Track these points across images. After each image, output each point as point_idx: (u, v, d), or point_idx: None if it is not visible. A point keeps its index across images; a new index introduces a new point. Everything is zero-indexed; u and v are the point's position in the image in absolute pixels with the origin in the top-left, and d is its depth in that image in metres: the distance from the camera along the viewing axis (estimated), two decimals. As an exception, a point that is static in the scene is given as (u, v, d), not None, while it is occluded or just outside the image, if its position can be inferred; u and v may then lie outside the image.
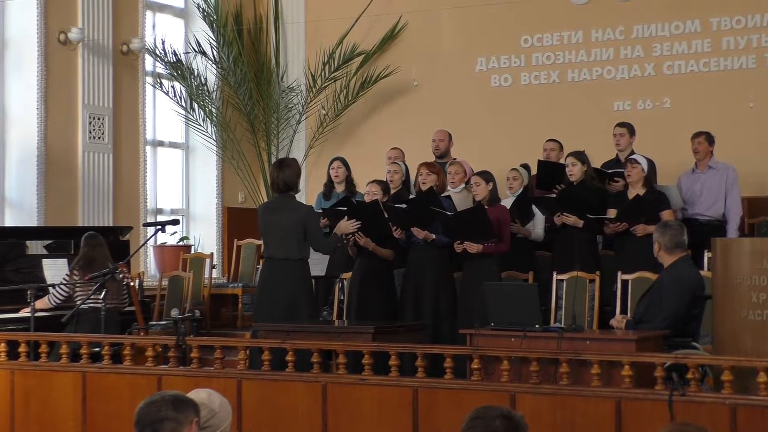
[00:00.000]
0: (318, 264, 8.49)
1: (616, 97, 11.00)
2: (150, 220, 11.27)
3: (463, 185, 8.84)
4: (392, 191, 8.70)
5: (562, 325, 6.97)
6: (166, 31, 11.94)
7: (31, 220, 10.18)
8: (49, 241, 9.65)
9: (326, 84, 12.01)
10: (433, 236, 8.07)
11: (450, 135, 9.89)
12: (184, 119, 12.04)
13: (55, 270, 8.89)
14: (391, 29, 11.99)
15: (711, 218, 8.90)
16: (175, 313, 7.23)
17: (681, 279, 6.62)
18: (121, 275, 8.01)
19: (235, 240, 11.36)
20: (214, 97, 12.06)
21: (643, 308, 6.71)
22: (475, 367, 5.98)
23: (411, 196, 8.71)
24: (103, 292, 7.86)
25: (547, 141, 9.76)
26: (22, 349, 7.07)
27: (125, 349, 6.89)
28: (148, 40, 11.51)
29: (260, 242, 8.39)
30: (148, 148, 11.64)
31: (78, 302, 7.99)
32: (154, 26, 11.87)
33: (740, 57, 10.54)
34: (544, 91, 11.35)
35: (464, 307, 7.93)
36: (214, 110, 11.99)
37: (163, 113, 11.96)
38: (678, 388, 5.37)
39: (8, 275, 8.83)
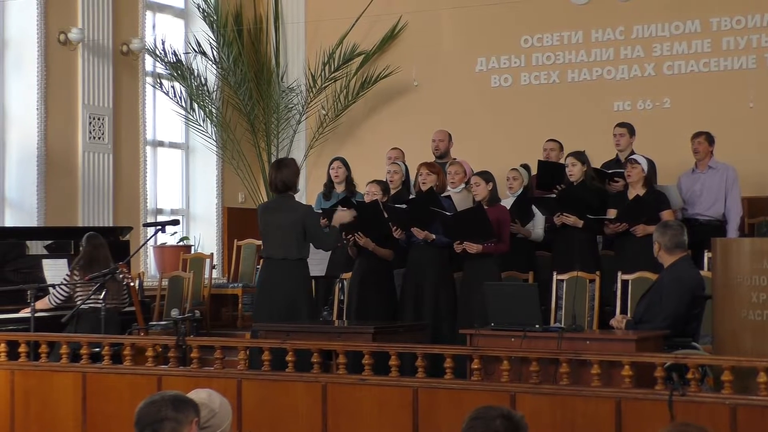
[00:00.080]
0: (318, 264, 8.49)
1: (616, 97, 11.00)
2: (150, 220, 11.27)
3: (463, 185, 8.84)
4: (392, 191, 8.70)
5: (562, 325, 6.97)
6: (166, 32, 11.95)
7: (31, 220, 10.18)
8: (49, 242, 9.65)
9: (326, 84, 12.01)
10: (433, 236, 8.07)
11: (450, 135, 9.89)
12: (184, 119, 12.05)
13: (55, 270, 8.88)
14: (391, 29, 12.00)
15: (711, 218, 8.89)
16: (175, 313, 7.22)
17: (681, 279, 6.62)
18: (121, 275, 8.01)
19: (235, 240, 11.36)
20: (214, 97, 12.06)
21: (643, 308, 6.71)
22: (475, 367, 5.98)
23: (411, 196, 8.71)
24: (103, 293, 7.86)
25: (547, 141, 9.77)
26: (22, 349, 7.07)
27: (125, 350, 6.89)
28: (148, 40, 11.51)
29: (260, 242, 8.39)
30: (148, 148, 11.64)
31: (78, 302, 7.99)
32: (154, 26, 11.87)
33: (740, 57, 10.55)
34: (544, 91, 11.35)
35: (464, 307, 7.93)
36: (214, 110, 11.99)
37: (163, 113, 11.96)
38: (678, 388, 5.37)
39: (8, 275, 8.83)
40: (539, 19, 11.37)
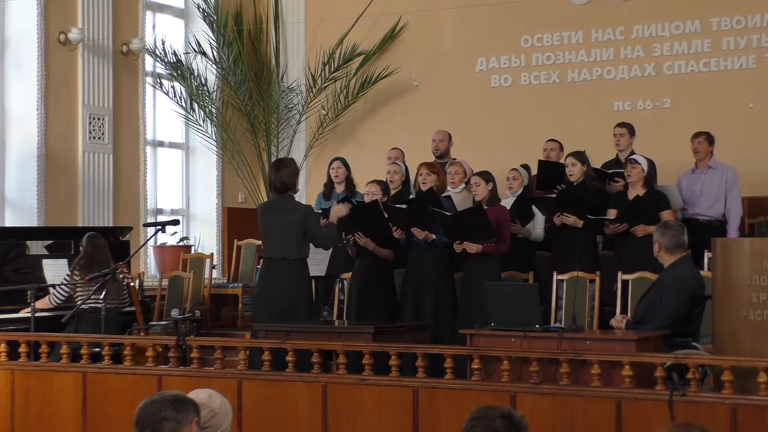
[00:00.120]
0: (318, 264, 8.49)
1: (616, 97, 11.01)
2: (150, 220, 11.27)
3: (463, 185, 8.84)
4: (392, 191, 8.69)
5: (562, 325, 6.97)
6: (166, 32, 11.95)
7: (31, 220, 10.18)
8: (50, 242, 9.65)
9: (326, 84, 12.01)
10: (434, 236, 8.07)
11: (449, 135, 9.89)
12: (184, 119, 12.05)
13: (55, 270, 8.89)
14: (391, 29, 12.00)
15: (711, 218, 8.89)
16: (176, 313, 7.22)
17: (681, 279, 6.62)
18: (121, 275, 8.02)
19: (235, 240, 11.36)
20: (214, 97, 12.07)
21: (643, 308, 6.71)
22: (475, 367, 5.98)
23: (411, 196, 8.71)
24: (104, 293, 7.86)
25: (547, 141, 9.77)
26: (22, 349, 7.07)
27: (125, 349, 6.89)
28: (148, 41, 11.51)
29: (260, 242, 8.39)
30: (148, 148, 11.64)
31: (78, 302, 7.99)
32: (154, 26, 11.88)
33: (740, 57, 10.55)
34: (544, 91, 11.35)
35: (464, 307, 7.93)
36: (214, 110, 11.99)
37: (163, 113, 11.96)
38: (678, 388, 5.37)
39: (8, 275, 8.83)
40: (539, 19, 11.38)
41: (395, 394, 6.09)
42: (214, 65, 12.04)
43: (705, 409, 5.32)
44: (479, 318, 6.83)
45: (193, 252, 11.21)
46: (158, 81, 11.69)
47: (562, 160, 9.14)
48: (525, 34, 11.44)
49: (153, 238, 8.79)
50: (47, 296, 8.31)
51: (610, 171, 8.93)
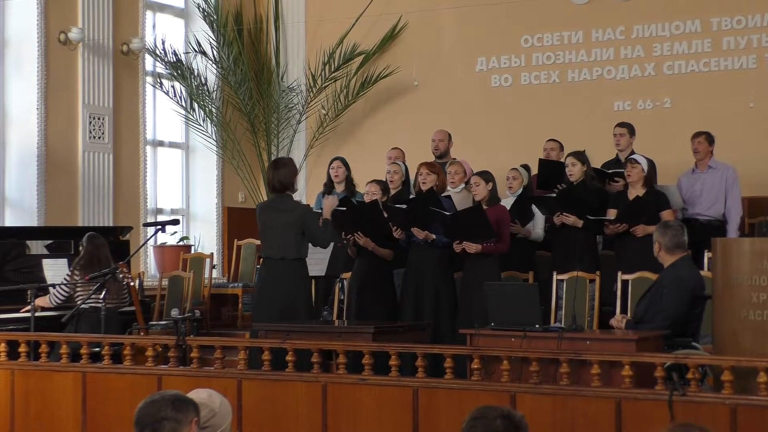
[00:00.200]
0: (318, 264, 8.49)
1: (616, 97, 11.01)
2: (150, 220, 11.27)
3: (463, 185, 8.84)
4: (392, 191, 8.69)
5: (562, 325, 6.96)
6: (166, 31, 11.95)
7: (31, 220, 10.18)
8: (50, 241, 9.65)
9: (326, 84, 12.01)
10: (434, 236, 8.07)
11: (449, 135, 9.89)
12: (184, 119, 12.05)
13: (55, 270, 8.89)
14: (391, 29, 12.00)
15: (711, 218, 8.89)
16: (175, 313, 7.23)
17: (681, 279, 6.62)
18: (121, 275, 8.02)
19: (235, 240, 11.36)
20: (214, 97, 12.07)
21: (643, 308, 6.71)
22: (475, 367, 5.98)
23: (411, 196, 8.70)
24: (104, 292, 7.86)
25: (547, 141, 9.77)
26: (22, 349, 7.07)
27: (125, 349, 6.89)
28: (148, 40, 11.51)
29: (260, 242, 8.39)
30: (148, 148, 11.64)
31: (78, 302, 7.99)
32: (154, 26, 11.88)
33: (740, 57, 10.55)
34: (544, 91, 11.35)
35: (464, 307, 7.93)
36: (214, 110, 11.99)
37: (163, 113, 11.96)
38: (678, 388, 5.37)
39: (8, 275, 8.83)
40: (539, 19, 11.37)
41: (395, 394, 6.09)
42: (214, 65, 12.04)
43: (705, 409, 5.32)
44: (479, 318, 6.82)
45: (193, 252, 11.22)
46: (158, 81, 11.69)
47: (562, 160, 9.14)
48: (525, 33, 11.44)
49: (153, 237, 8.79)
50: (48, 295, 8.32)
51: (610, 171, 8.93)
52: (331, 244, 8.31)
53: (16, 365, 7.08)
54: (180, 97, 11.81)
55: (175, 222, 8.74)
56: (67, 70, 10.58)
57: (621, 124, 9.37)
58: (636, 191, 8.28)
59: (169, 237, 11.33)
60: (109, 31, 10.94)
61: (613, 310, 7.80)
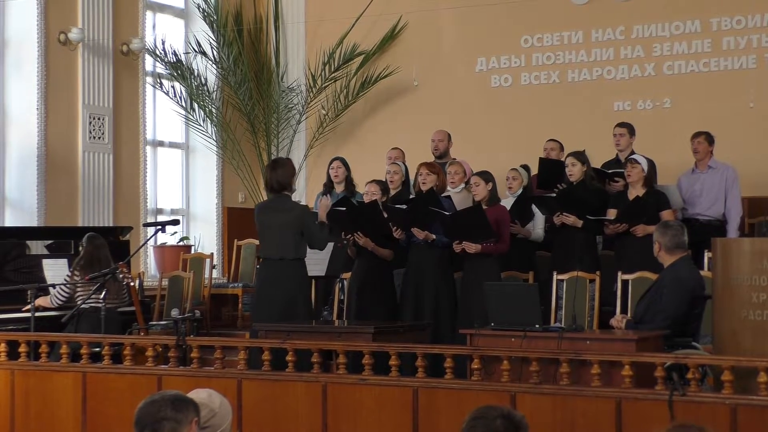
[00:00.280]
0: (318, 264, 8.48)
1: (616, 97, 11.01)
2: (150, 220, 11.27)
3: (462, 185, 8.84)
4: (392, 191, 8.70)
5: (562, 325, 6.97)
6: (166, 31, 11.95)
7: (31, 220, 10.18)
8: (50, 241, 9.65)
9: (326, 84, 12.01)
10: (434, 236, 8.07)
11: (449, 135, 9.89)
12: (184, 119, 12.05)
13: (55, 270, 8.89)
14: (391, 29, 12.00)
15: (711, 218, 8.89)
16: (176, 313, 7.23)
17: (681, 279, 6.62)
18: (121, 275, 8.02)
19: (235, 240, 11.36)
20: (214, 97, 12.07)
21: (643, 308, 6.71)
22: (475, 367, 5.98)
23: (411, 196, 8.70)
24: (104, 292, 7.86)
25: (547, 141, 9.78)
26: (22, 349, 7.07)
27: (125, 349, 6.89)
28: (148, 40, 11.51)
29: (259, 242, 8.39)
30: (148, 148, 11.64)
31: (78, 302, 7.99)
32: (154, 26, 11.88)
33: (740, 57, 10.55)
34: (544, 91, 11.35)
35: (464, 307, 7.93)
36: (214, 110, 11.99)
37: (163, 113, 11.96)
38: (678, 388, 5.37)
39: (8, 275, 8.83)
40: (539, 19, 11.37)
41: (395, 394, 6.09)
42: (214, 65, 12.04)
43: (705, 409, 5.32)
44: (479, 318, 6.82)
45: (193, 252, 11.21)
46: (158, 81, 11.69)
47: (562, 160, 9.15)
48: (525, 34, 11.44)
49: (153, 238, 8.79)
50: (48, 296, 8.32)
51: (610, 171, 8.93)
52: (331, 245, 8.31)
53: (16, 365, 7.08)
54: (180, 98, 11.81)
55: (175, 222, 8.74)
56: (67, 70, 10.58)
57: (621, 124, 9.37)
58: (636, 191, 8.28)
59: (169, 237, 11.33)
60: (109, 31, 10.94)
61: (613, 310, 7.80)
